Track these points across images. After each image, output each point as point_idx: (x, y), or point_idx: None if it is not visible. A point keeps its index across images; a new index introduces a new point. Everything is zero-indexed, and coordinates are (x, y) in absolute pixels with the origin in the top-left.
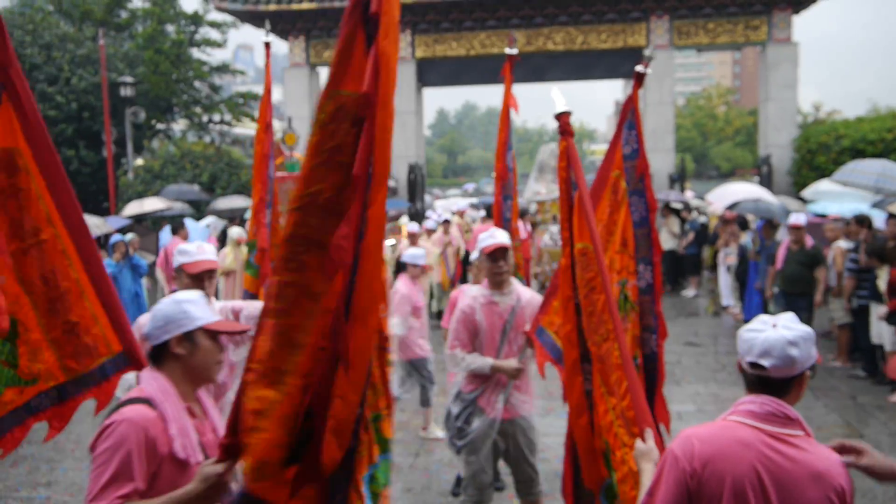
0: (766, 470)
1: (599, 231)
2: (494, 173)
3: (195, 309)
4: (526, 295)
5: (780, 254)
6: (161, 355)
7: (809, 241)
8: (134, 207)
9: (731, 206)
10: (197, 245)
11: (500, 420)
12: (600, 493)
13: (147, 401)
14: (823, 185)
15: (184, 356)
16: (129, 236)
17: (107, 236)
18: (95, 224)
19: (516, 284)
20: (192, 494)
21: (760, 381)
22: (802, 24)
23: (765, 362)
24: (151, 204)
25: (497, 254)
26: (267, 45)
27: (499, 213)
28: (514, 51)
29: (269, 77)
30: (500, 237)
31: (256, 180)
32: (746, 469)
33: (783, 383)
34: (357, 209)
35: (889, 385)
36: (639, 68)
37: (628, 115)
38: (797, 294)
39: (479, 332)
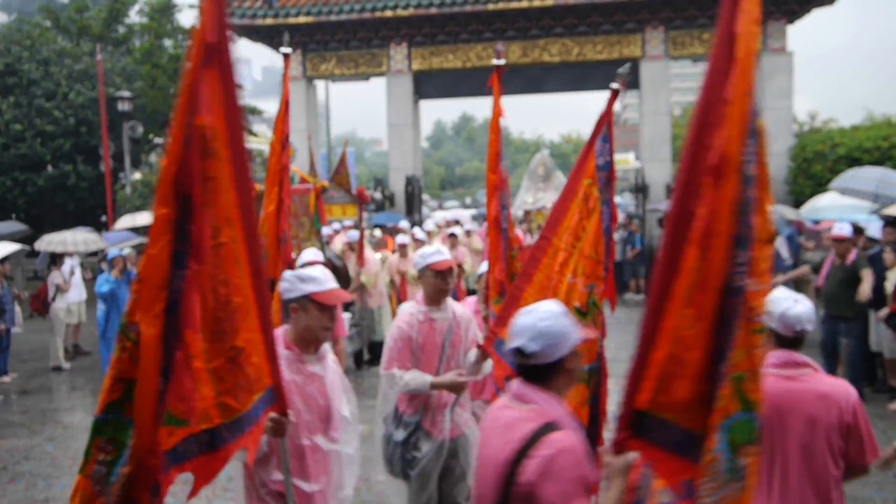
0: (781, 399)
1: (566, 237)
2: (487, 185)
3: (569, 321)
4: (459, 310)
5: (824, 269)
6: (550, 373)
7: (852, 253)
8: (126, 221)
9: None
10: (321, 270)
11: (448, 440)
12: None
13: (558, 425)
14: (822, 201)
15: (573, 370)
16: (127, 251)
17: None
18: (91, 239)
19: (449, 300)
20: (621, 490)
21: (797, 341)
22: (797, 33)
23: (809, 327)
24: (145, 219)
25: (446, 271)
26: (286, 56)
27: (497, 223)
28: (502, 62)
29: (287, 89)
30: (447, 254)
31: (274, 194)
32: (768, 405)
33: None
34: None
35: (888, 393)
36: (614, 85)
37: (603, 127)
38: (843, 318)
39: (416, 350)
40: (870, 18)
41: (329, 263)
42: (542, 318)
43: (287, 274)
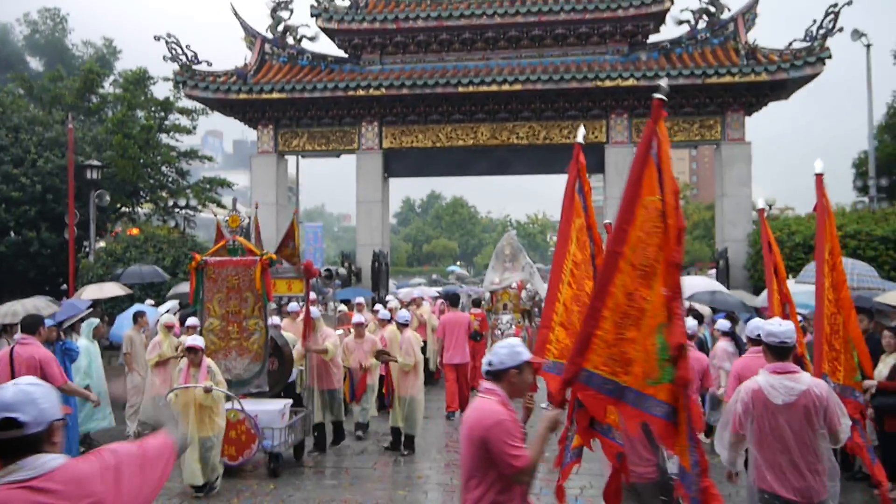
0: None
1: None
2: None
3: None
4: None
5: None
6: None
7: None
8: (93, 292)
9: (687, 298)
10: None
11: None
12: None
13: None
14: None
15: None
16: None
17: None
18: (45, 305)
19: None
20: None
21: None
22: (754, 123)
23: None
24: (112, 290)
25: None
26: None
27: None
28: (581, 140)
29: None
30: None
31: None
32: None
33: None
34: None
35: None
36: (656, 95)
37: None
38: None
39: None
40: (821, 110)
41: (273, 343)
42: None
43: None
